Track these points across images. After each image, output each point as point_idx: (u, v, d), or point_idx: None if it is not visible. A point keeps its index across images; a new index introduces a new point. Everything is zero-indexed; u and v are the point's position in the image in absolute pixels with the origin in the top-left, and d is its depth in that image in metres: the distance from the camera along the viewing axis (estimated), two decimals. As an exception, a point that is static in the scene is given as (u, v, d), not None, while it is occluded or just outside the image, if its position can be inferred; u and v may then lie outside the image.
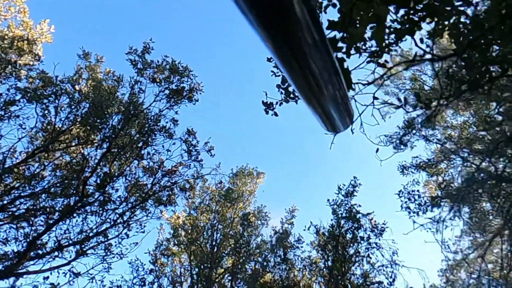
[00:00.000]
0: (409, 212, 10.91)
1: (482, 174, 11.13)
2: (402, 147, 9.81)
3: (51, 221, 11.26)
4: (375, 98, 4.86)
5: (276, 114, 5.85)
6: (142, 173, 13.38)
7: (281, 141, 32.30)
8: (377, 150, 4.90)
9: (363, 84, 4.47)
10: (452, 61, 4.22)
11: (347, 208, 12.34)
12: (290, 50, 0.50)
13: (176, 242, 15.37)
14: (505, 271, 16.60)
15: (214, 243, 15.13)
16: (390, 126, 15.87)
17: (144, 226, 12.24)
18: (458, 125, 15.25)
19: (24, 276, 10.99)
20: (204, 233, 15.54)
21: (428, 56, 3.92)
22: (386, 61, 4.12)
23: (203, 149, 12.76)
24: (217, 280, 15.01)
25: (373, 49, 4.69)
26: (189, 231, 15.43)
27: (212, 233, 15.37)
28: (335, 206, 12.51)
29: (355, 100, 4.94)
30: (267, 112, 5.97)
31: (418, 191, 11.21)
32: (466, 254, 18.73)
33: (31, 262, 10.73)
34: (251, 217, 14.05)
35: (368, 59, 4.15)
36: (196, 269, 15.03)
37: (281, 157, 31.40)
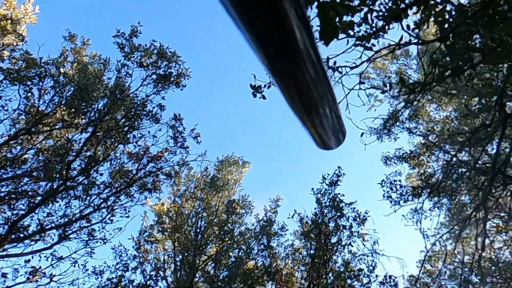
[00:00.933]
0: (391, 201, 11.19)
1: (460, 166, 11.45)
2: (386, 132, 10.01)
3: (33, 204, 11.12)
4: (361, 82, 4.98)
5: (264, 97, 5.91)
6: (127, 159, 13.32)
7: (268, 130, 32.48)
8: (362, 134, 5.02)
9: (350, 68, 4.57)
10: (436, 47, 4.36)
11: (330, 197, 12.55)
12: (284, 64, 0.48)
13: (160, 229, 15.36)
14: (476, 256, 17.18)
15: (198, 230, 15.18)
16: (374, 116, 16.13)
17: (129, 211, 12.21)
18: (440, 119, 15.63)
19: (5, 259, 10.87)
20: (189, 220, 15.58)
21: (414, 41, 4.05)
22: (373, 44, 4.22)
23: (190, 136, 12.75)
24: (200, 267, 15.09)
25: (360, 34, 4.79)
26: (174, 218, 15.44)
27: (197, 221, 15.42)
28: (319, 195, 12.70)
29: (343, 84, 5.05)
30: (254, 96, 6.02)
31: (399, 181, 11.50)
32: (443, 245, 19.30)
33: (12, 245, 10.60)
34: (236, 205, 14.14)
35: (357, 42, 4.25)
36: (180, 256, 15.08)
37: (267, 146, 31.58)
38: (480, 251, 16.62)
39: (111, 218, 12.19)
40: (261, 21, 0.40)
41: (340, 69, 4.59)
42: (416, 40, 4.21)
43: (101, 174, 11.60)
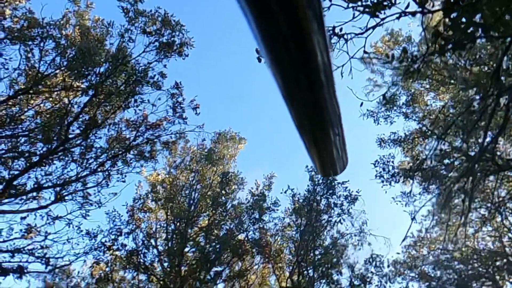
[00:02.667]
0: (382, 181, 11.46)
1: (452, 152, 11.72)
2: (385, 102, 10.19)
3: (30, 163, 11.22)
4: (365, 52, 5.12)
5: (268, 62, 6.01)
6: (125, 127, 13.40)
7: (266, 108, 32.60)
8: (362, 104, 5.17)
9: (356, 34, 4.71)
10: (440, 20, 4.49)
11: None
12: (301, 84, 0.47)
13: (154, 198, 15.58)
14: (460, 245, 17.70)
15: (191, 202, 15.42)
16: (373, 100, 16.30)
17: (125, 176, 12.37)
18: (437, 108, 15.84)
19: (0, 215, 11.03)
20: (182, 192, 15.80)
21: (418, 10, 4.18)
22: (379, 12, 4.33)
23: (189, 107, 12.84)
24: (191, 238, 15.39)
25: (368, 3, 4.89)
26: (168, 189, 15.65)
27: (190, 192, 15.64)
28: (312, 173, 12.95)
29: (348, 52, 5.18)
30: (259, 60, 6.12)
31: (393, 162, 11.75)
32: (430, 232, 19.81)
33: (9, 200, 10.75)
34: (230, 177, 14.35)
35: (364, 9, 4.36)
36: (172, 226, 15.36)
37: (264, 124, 31.76)
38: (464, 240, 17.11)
39: (107, 182, 12.36)
40: (284, 43, 0.40)
41: (345, 36, 4.72)
42: (420, 9, 4.33)
43: (100, 138, 11.70)
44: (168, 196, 15.29)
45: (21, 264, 9.97)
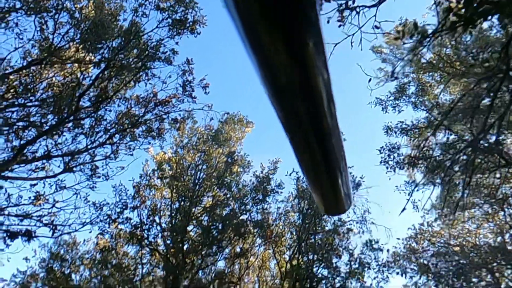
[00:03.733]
0: (387, 167, 11.51)
1: (460, 143, 11.71)
2: (393, 79, 10.20)
3: (41, 132, 11.44)
4: (376, 27, 5.16)
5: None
6: (135, 104, 13.55)
7: None
8: (370, 80, 5.22)
9: (367, 7, 4.74)
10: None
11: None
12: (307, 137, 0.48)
13: (160, 176, 15.81)
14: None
15: (196, 181, 15.62)
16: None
17: (133, 150, 12.56)
18: (446, 101, 15.75)
19: (11, 181, 11.30)
20: (188, 171, 15.99)
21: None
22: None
23: (198, 86, 12.93)
24: (195, 217, 15.62)
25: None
26: (174, 167, 15.86)
27: (196, 172, 15.83)
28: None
29: (360, 28, 5.22)
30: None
31: (398, 148, 11.77)
32: (431, 226, 19.84)
33: (18, 167, 11.00)
34: (236, 157, 14.49)
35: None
36: (177, 204, 15.59)
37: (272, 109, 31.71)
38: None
39: (115, 155, 12.57)
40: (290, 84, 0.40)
41: (357, 9, 4.76)
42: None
43: (110, 111, 11.87)
44: (174, 175, 15.49)
45: (29, 228, 10.25)
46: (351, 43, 4.97)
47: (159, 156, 16.76)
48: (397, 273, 14.07)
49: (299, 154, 0.52)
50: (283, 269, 15.97)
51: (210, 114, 13.55)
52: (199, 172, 15.76)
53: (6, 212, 10.58)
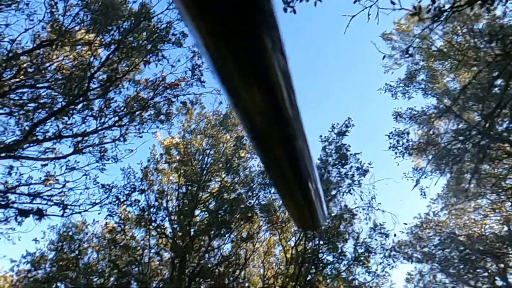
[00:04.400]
0: (396, 152, 11.50)
1: (469, 130, 11.65)
2: (407, 56, 10.13)
3: (51, 112, 11.53)
4: (392, 2, 5.11)
5: (294, 12, 6.03)
6: (144, 87, 13.59)
7: None
8: (384, 57, 5.19)
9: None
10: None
11: (337, 146, 12.87)
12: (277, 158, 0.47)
13: (168, 160, 15.90)
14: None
15: (204, 166, 15.70)
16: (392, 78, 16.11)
17: (142, 133, 12.64)
18: (457, 89, 15.64)
19: (22, 160, 11.44)
20: (196, 156, 16.07)
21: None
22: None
23: (208, 69, 12.92)
24: (202, 202, 15.73)
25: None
26: (181, 152, 15.94)
27: (203, 157, 15.91)
28: (326, 143, 13.03)
29: (375, 3, 5.17)
30: (285, 10, 6.13)
31: (408, 134, 11.74)
32: (437, 215, 19.86)
33: (28, 146, 11.12)
34: (245, 142, 14.50)
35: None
36: (184, 188, 15.70)
37: None
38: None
39: (124, 138, 12.66)
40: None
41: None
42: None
43: (119, 93, 11.92)
44: (181, 159, 15.58)
45: (40, 207, 10.40)
46: (368, 15, 4.93)
47: (166, 141, 16.85)
48: (404, 258, 14.12)
49: (271, 173, 0.53)
50: (288, 255, 16.11)
51: (218, 99, 13.55)
52: (206, 157, 15.83)
53: (17, 191, 10.74)
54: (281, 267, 17.65)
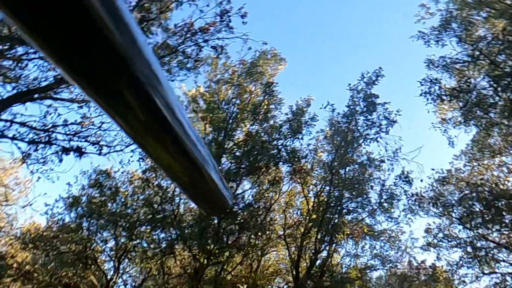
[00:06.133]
0: (427, 99, 11.40)
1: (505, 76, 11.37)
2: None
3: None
4: None
5: None
6: (172, 34, 13.57)
7: (309, 26, 31.99)
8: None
9: None
10: None
11: (365, 95, 12.82)
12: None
13: (194, 109, 16.18)
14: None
15: (230, 115, 15.93)
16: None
17: (171, 80, 12.82)
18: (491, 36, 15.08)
19: (59, 102, 11.87)
20: (222, 105, 16.27)
21: None
22: None
23: (237, 14, 12.79)
24: (228, 150, 16.10)
25: None
26: (208, 101, 16.15)
27: (230, 107, 16.10)
28: (354, 92, 12.99)
29: None
30: None
31: (440, 82, 11.57)
32: (461, 171, 19.81)
33: (65, 87, 11.47)
34: (273, 88, 14.54)
35: None
36: (210, 136, 16.07)
37: (305, 44, 31.42)
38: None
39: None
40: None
41: None
42: None
43: (156, 34, 11.99)
44: (207, 108, 15.82)
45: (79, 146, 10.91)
46: None
47: (191, 92, 17.08)
48: (430, 203, 14.37)
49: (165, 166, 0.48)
50: (310, 204, 16.58)
51: (246, 45, 13.49)
52: (232, 106, 16.02)
53: (56, 131, 11.24)
54: (301, 218, 18.20)
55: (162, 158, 0.45)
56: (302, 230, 16.57)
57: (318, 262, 14.00)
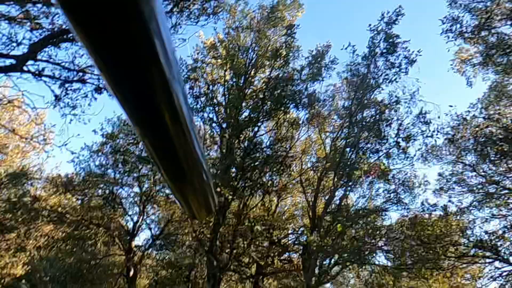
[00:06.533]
0: (448, 37, 11.48)
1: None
2: None
3: None
4: None
5: None
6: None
7: None
8: None
9: None
10: None
11: (386, 35, 12.89)
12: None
13: (214, 55, 16.45)
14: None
15: (249, 61, 16.18)
16: None
17: (196, 21, 13.04)
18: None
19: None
20: (241, 51, 16.46)
21: None
22: None
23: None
24: (248, 97, 16.46)
25: None
26: (227, 47, 16.36)
27: (249, 53, 16.30)
28: (374, 33, 13.06)
29: None
30: None
31: (461, 19, 11.57)
32: (476, 117, 19.94)
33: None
34: (295, 29, 14.61)
35: None
36: (231, 82, 16.44)
37: None
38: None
39: (176, 29, 13.13)
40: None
41: None
42: None
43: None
44: (228, 53, 16.06)
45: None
46: None
47: (210, 40, 17.27)
48: (445, 143, 14.70)
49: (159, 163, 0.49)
50: (327, 149, 17.13)
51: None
52: (252, 52, 16.22)
53: (88, 71, 11.74)
54: (317, 164, 18.81)
55: (163, 151, 0.45)
56: (319, 174, 17.26)
57: (335, 199, 14.76)
